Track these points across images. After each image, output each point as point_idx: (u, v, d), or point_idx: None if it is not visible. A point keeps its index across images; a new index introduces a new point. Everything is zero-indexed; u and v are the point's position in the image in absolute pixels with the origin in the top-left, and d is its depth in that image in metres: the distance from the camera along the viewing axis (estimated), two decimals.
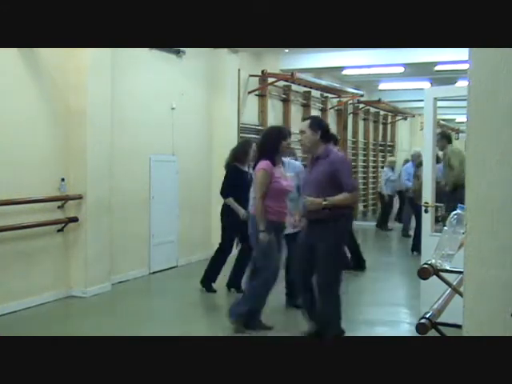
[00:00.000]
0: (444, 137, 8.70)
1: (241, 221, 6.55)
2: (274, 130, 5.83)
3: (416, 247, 10.35)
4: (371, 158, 16.94)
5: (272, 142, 5.36)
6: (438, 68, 11.14)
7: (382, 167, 15.33)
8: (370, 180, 16.90)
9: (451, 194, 7.64)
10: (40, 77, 6.29)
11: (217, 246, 7.20)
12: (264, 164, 5.26)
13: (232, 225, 6.81)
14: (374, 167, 17.21)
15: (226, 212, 6.88)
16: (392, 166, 13.31)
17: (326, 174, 4.86)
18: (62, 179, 6.53)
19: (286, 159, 6.01)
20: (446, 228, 2.51)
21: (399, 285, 8.40)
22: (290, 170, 5.98)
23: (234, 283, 7.00)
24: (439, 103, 5.98)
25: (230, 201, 6.75)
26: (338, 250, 5.01)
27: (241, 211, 6.66)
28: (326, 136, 5.07)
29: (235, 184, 6.72)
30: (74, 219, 6.62)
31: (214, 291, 7.05)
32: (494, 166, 1.84)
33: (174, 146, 8.50)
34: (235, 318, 5.39)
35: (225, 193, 6.87)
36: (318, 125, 5.07)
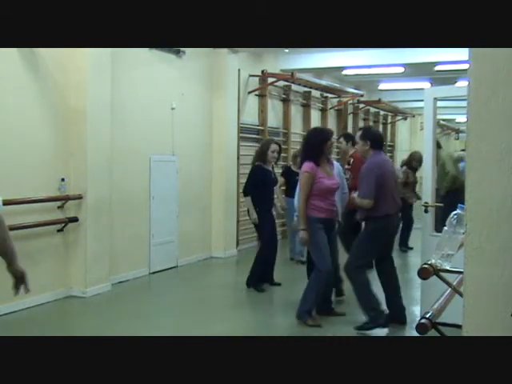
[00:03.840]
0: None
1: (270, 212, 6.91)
2: (317, 131, 6.07)
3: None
4: None
5: (316, 144, 5.61)
6: (437, 68, 11.13)
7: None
8: None
9: (444, 198, 7.63)
10: (40, 77, 6.29)
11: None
12: (307, 166, 5.54)
13: (263, 218, 6.94)
14: None
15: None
16: None
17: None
18: (62, 179, 6.53)
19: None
20: (446, 228, 2.51)
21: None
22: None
23: (252, 281, 7.07)
24: (439, 103, 5.98)
25: (248, 200, 7.00)
26: (366, 241, 5.54)
27: (253, 214, 6.91)
28: (375, 144, 5.59)
29: (257, 182, 6.95)
30: (74, 219, 6.61)
31: (262, 290, 7.00)
32: (494, 165, 1.84)
33: (174, 146, 8.49)
34: (304, 318, 5.61)
35: (246, 190, 7.12)
36: (366, 136, 5.65)
